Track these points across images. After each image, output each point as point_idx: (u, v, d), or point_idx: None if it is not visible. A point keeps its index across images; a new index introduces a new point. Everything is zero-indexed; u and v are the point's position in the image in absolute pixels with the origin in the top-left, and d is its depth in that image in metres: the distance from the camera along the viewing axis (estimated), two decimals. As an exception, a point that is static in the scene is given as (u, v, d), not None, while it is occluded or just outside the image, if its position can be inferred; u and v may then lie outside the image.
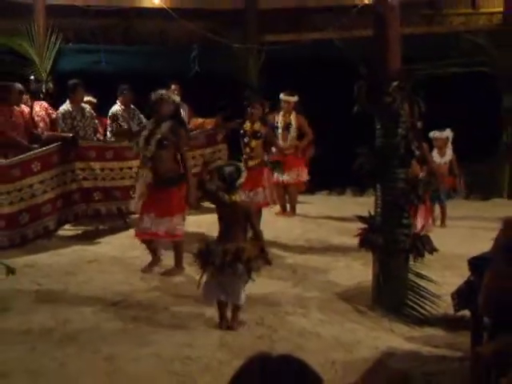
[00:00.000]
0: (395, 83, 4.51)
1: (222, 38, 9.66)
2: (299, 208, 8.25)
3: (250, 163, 6.71)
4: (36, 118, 7.59)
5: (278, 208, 8.01)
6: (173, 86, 8.16)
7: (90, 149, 6.97)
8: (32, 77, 8.96)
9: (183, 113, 8.33)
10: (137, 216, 6.15)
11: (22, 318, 4.46)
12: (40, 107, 7.88)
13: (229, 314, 4.36)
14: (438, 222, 7.46)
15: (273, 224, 7.11)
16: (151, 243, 5.70)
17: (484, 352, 2.92)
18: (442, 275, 5.08)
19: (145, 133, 5.59)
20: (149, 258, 5.71)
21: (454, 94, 8.52)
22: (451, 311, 3.86)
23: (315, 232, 7.23)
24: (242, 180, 4.39)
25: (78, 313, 4.59)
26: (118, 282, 5.34)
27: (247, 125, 6.91)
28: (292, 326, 4.37)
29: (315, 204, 8.92)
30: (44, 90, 8.92)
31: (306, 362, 1.27)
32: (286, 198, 8.13)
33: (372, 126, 4.68)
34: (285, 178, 7.82)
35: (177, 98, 5.88)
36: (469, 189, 8.57)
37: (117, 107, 7.92)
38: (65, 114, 7.29)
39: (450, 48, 7.81)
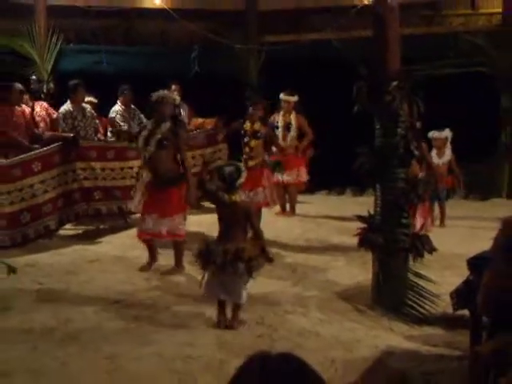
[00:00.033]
0: (395, 83, 4.53)
1: (222, 38, 9.68)
2: (299, 208, 8.26)
3: (250, 163, 6.74)
4: (37, 118, 7.62)
5: (277, 208, 8.04)
6: (173, 87, 8.18)
7: (91, 149, 6.99)
8: (33, 76, 8.98)
9: (183, 113, 8.38)
10: (138, 216, 6.18)
11: (24, 318, 4.48)
12: (40, 107, 7.91)
13: (229, 313, 4.37)
14: (438, 222, 7.48)
15: (273, 224, 7.12)
16: (151, 242, 5.73)
17: (483, 351, 2.92)
18: (441, 275, 5.09)
19: (144, 133, 5.62)
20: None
21: (453, 95, 8.54)
22: (450, 310, 3.87)
23: (315, 231, 7.25)
24: (241, 180, 4.40)
25: (80, 312, 4.60)
26: (119, 281, 5.36)
27: (247, 125, 6.93)
28: (292, 325, 4.38)
29: (315, 204, 8.93)
30: (45, 91, 8.94)
31: (306, 360, 1.27)
32: (286, 197, 8.16)
33: (371, 126, 4.69)
34: (285, 177, 7.84)
35: (177, 99, 5.91)
36: (468, 189, 8.60)
37: (117, 107, 7.94)
38: (66, 114, 7.31)
39: (449, 48, 7.84)
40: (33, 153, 6.48)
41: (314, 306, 4.75)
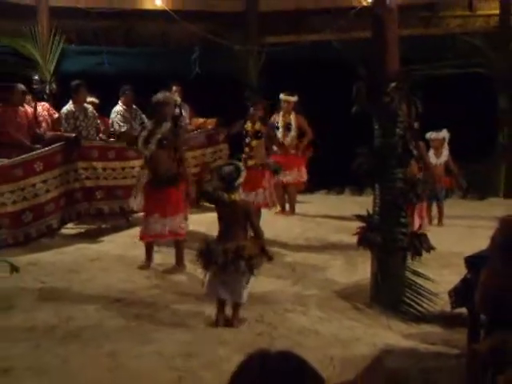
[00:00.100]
0: (393, 84, 4.56)
1: (222, 39, 9.70)
2: (298, 207, 8.29)
3: (250, 162, 6.77)
4: (39, 119, 7.66)
5: (277, 208, 8.07)
6: (174, 87, 8.19)
7: (93, 148, 7.03)
8: (36, 76, 9.01)
9: (185, 113, 8.41)
10: (139, 215, 6.23)
11: (26, 316, 4.51)
12: (42, 108, 7.94)
13: (229, 311, 4.40)
14: (436, 221, 7.53)
15: (272, 223, 7.13)
16: (151, 243, 5.78)
17: (481, 349, 2.94)
18: (440, 273, 5.11)
19: (144, 133, 5.67)
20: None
21: (450, 95, 8.56)
22: (448, 309, 3.91)
23: (314, 231, 7.27)
24: (241, 179, 4.42)
25: (81, 310, 4.64)
26: (120, 280, 5.39)
27: (248, 125, 6.97)
28: (291, 324, 4.41)
29: (314, 203, 8.96)
30: (47, 91, 8.97)
31: (305, 358, 1.28)
32: (286, 197, 8.19)
33: (370, 126, 4.72)
34: (285, 177, 7.87)
35: (178, 99, 5.96)
36: (463, 191, 8.65)
37: (118, 107, 7.97)
38: (68, 115, 7.34)
39: (447, 50, 7.87)
40: (35, 153, 6.51)
41: (313, 305, 4.78)
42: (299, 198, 8.50)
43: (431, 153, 7.52)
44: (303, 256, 6.19)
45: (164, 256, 5.95)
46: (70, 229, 7.16)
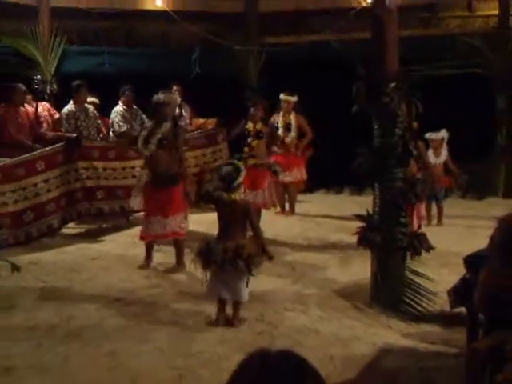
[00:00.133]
0: (393, 84, 4.57)
1: (222, 40, 9.71)
2: (298, 207, 8.31)
3: (250, 161, 6.79)
4: (40, 119, 7.68)
5: (277, 208, 8.09)
6: (174, 87, 8.21)
7: (93, 148, 7.05)
8: (38, 76, 9.03)
9: (185, 113, 8.43)
10: (139, 215, 6.25)
11: (27, 315, 4.54)
12: (42, 108, 7.97)
13: (229, 310, 4.42)
14: (435, 221, 7.55)
15: (272, 223, 7.16)
16: (152, 243, 5.80)
17: (479, 348, 2.95)
18: (439, 273, 5.13)
19: (144, 133, 5.69)
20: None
21: (450, 95, 8.59)
22: (447, 308, 3.90)
23: (314, 230, 7.29)
24: (241, 179, 4.44)
25: (82, 309, 4.66)
26: (120, 279, 5.41)
27: (250, 125, 6.98)
28: (291, 323, 4.42)
29: (314, 203, 8.98)
30: (48, 91, 8.99)
31: (305, 357, 1.28)
32: (286, 197, 8.21)
33: (370, 126, 4.73)
34: (285, 177, 7.88)
35: (178, 99, 5.98)
36: (464, 189, 8.66)
37: (119, 108, 7.99)
38: (68, 115, 7.37)
39: (446, 50, 7.87)
40: (36, 152, 6.54)
41: (313, 304, 4.79)
42: (299, 197, 8.52)
43: (430, 153, 7.54)
44: (303, 255, 6.21)
45: (164, 255, 5.97)
46: (70, 228, 7.19)
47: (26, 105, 7.36)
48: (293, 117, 8.05)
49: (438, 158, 7.54)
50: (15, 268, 4.36)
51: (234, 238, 4.34)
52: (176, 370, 3.66)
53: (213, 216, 4.67)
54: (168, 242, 5.94)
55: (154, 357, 3.84)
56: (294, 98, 8.01)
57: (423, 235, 4.72)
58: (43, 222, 6.45)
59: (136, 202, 5.96)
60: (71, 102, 7.42)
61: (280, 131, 7.96)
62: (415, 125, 5.00)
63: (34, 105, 7.81)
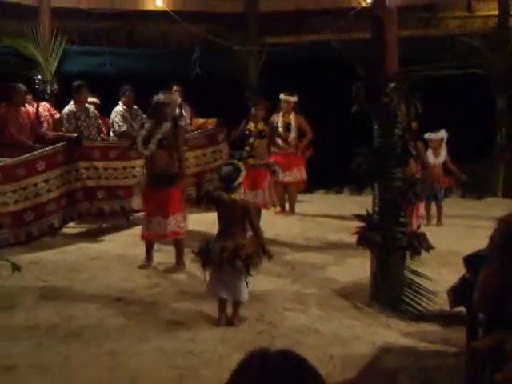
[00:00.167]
0: (393, 84, 4.58)
1: (223, 40, 9.73)
2: (298, 207, 8.33)
3: (251, 161, 6.79)
4: (41, 119, 7.70)
5: (277, 208, 8.10)
6: (175, 88, 8.23)
7: (94, 148, 7.07)
8: (39, 76, 9.05)
9: (185, 113, 8.45)
10: (140, 214, 6.26)
11: (28, 315, 4.55)
12: (43, 108, 7.98)
13: (230, 310, 4.43)
14: (435, 221, 7.56)
15: (272, 223, 7.17)
16: (152, 242, 5.82)
17: (479, 347, 2.95)
18: (438, 272, 5.14)
19: (143, 132, 5.70)
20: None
21: (449, 96, 8.61)
22: (447, 307, 3.88)
23: (314, 230, 7.31)
24: (241, 179, 4.45)
25: (83, 309, 4.67)
26: (121, 279, 5.43)
27: (251, 125, 6.97)
28: (291, 322, 4.43)
29: (314, 203, 9.00)
30: (49, 91, 9.01)
31: (305, 357, 1.28)
32: (286, 197, 8.22)
33: (369, 126, 4.74)
34: (285, 177, 7.90)
35: (178, 100, 5.99)
36: (464, 188, 8.68)
37: (119, 108, 8.00)
38: (69, 115, 7.38)
39: (446, 50, 7.88)
40: (37, 152, 6.55)
41: (313, 304, 4.80)
42: (299, 197, 8.54)
43: (429, 153, 7.56)
44: (303, 255, 6.22)
45: (164, 255, 5.99)
46: (71, 228, 7.21)
47: (26, 105, 7.38)
48: (293, 117, 8.06)
49: (437, 158, 7.56)
50: (16, 267, 4.37)
51: (234, 237, 4.35)
52: (176, 370, 3.67)
53: (213, 216, 4.68)
54: (168, 242, 5.96)
55: (154, 356, 3.85)
56: (293, 98, 8.02)
57: (423, 235, 4.73)
58: (44, 221, 6.46)
59: (137, 201, 5.97)
60: (72, 102, 7.44)
61: (280, 131, 7.97)
62: (414, 125, 5.01)
63: (35, 105, 7.82)
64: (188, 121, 8.52)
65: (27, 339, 4.11)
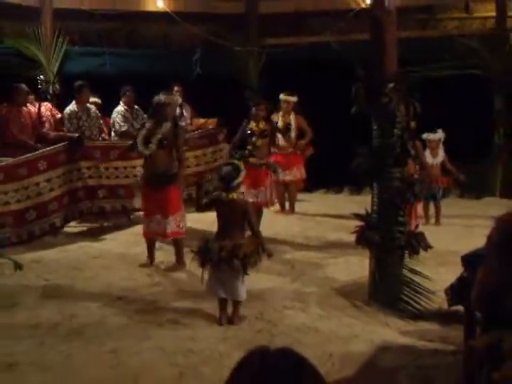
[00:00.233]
0: (391, 85, 4.61)
1: (223, 41, 9.75)
2: (298, 206, 8.35)
3: (251, 160, 6.81)
4: (43, 119, 7.73)
5: (277, 207, 8.13)
6: (175, 88, 8.26)
7: (95, 148, 7.10)
8: (42, 77, 9.08)
9: (186, 113, 8.48)
10: (141, 213, 6.29)
11: (30, 313, 4.57)
12: (44, 108, 8.01)
13: (230, 309, 4.46)
14: (433, 221, 7.59)
15: (272, 222, 7.21)
16: (153, 241, 5.85)
17: (477, 345, 2.97)
18: (437, 271, 5.15)
19: (143, 132, 5.73)
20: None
21: (447, 96, 8.63)
22: (445, 306, 3.93)
23: (313, 229, 7.33)
24: (240, 179, 4.48)
25: (84, 308, 4.70)
26: (122, 277, 5.45)
27: (253, 125, 6.98)
28: (291, 321, 4.45)
29: (313, 202, 9.03)
30: (51, 91, 9.04)
31: (304, 355, 1.29)
32: (285, 196, 8.25)
33: (369, 127, 4.77)
34: (285, 176, 7.92)
35: (179, 100, 6.02)
36: (462, 188, 8.71)
37: (120, 108, 8.03)
38: (71, 115, 7.42)
39: (444, 51, 7.89)
40: (39, 152, 6.58)
41: (312, 302, 4.82)
42: (299, 196, 8.57)
43: (427, 153, 7.59)
44: (302, 254, 6.24)
45: (165, 254, 6.02)
46: (72, 227, 7.24)
47: (28, 105, 7.41)
48: (292, 117, 8.09)
49: (435, 158, 7.59)
50: (18, 266, 4.39)
51: (233, 237, 4.37)
52: (177, 368, 3.69)
53: (212, 215, 4.70)
54: (169, 241, 5.99)
55: (155, 354, 3.87)
56: (293, 99, 8.05)
57: (421, 234, 4.75)
58: (46, 220, 6.49)
59: (139, 201, 6.01)
60: (73, 102, 7.46)
61: (281, 130, 7.99)
62: (413, 124, 5.03)
63: (37, 105, 7.86)
64: (188, 121, 8.55)
65: (29, 338, 4.13)
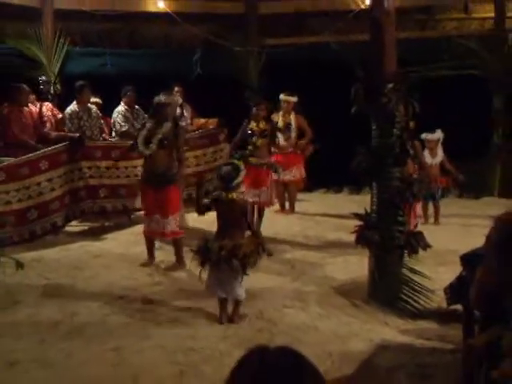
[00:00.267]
0: (391, 85, 4.63)
1: (223, 41, 9.76)
2: (298, 206, 8.36)
3: (252, 160, 6.82)
4: (44, 119, 7.75)
5: (277, 206, 8.15)
6: (176, 88, 8.26)
7: (96, 148, 7.12)
8: (43, 77, 9.10)
9: (186, 113, 8.49)
10: (141, 213, 6.31)
11: (31, 312, 4.59)
12: (46, 108, 8.03)
13: (230, 308, 4.48)
14: (432, 220, 7.60)
15: (272, 221, 7.21)
16: (153, 240, 5.88)
17: (476, 344, 2.99)
18: (436, 271, 5.17)
19: (143, 132, 5.76)
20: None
21: (446, 96, 8.65)
22: (444, 305, 3.96)
23: (313, 229, 7.34)
24: (240, 179, 4.49)
25: (85, 306, 4.71)
26: (122, 276, 5.47)
27: (253, 124, 6.99)
28: (291, 320, 4.47)
29: (313, 202, 9.04)
30: (52, 92, 9.06)
31: (304, 354, 1.30)
32: (285, 196, 8.27)
33: (368, 127, 4.79)
34: (285, 176, 7.93)
35: (179, 100, 6.04)
36: (461, 188, 8.72)
37: (120, 108, 8.04)
38: (72, 115, 7.43)
39: (443, 52, 7.90)
40: (40, 152, 6.59)
41: (312, 301, 4.84)
42: (298, 196, 8.58)
43: (426, 153, 7.60)
44: (302, 253, 6.26)
45: (166, 253, 6.03)
46: (73, 226, 7.25)
47: (29, 105, 7.43)
48: (292, 117, 8.10)
49: (434, 158, 7.60)
50: (19, 265, 4.41)
51: (232, 236, 4.38)
52: (177, 366, 3.71)
53: (212, 215, 4.71)
54: (169, 241, 6.00)
55: (156, 353, 3.89)
56: (293, 99, 8.06)
57: (420, 234, 4.77)
58: (47, 220, 6.50)
59: (140, 200, 6.03)
60: (74, 102, 7.48)
61: (281, 129, 8.01)
62: (412, 124, 5.05)
63: (38, 105, 7.87)
64: (189, 121, 8.56)
65: (30, 336, 4.15)
